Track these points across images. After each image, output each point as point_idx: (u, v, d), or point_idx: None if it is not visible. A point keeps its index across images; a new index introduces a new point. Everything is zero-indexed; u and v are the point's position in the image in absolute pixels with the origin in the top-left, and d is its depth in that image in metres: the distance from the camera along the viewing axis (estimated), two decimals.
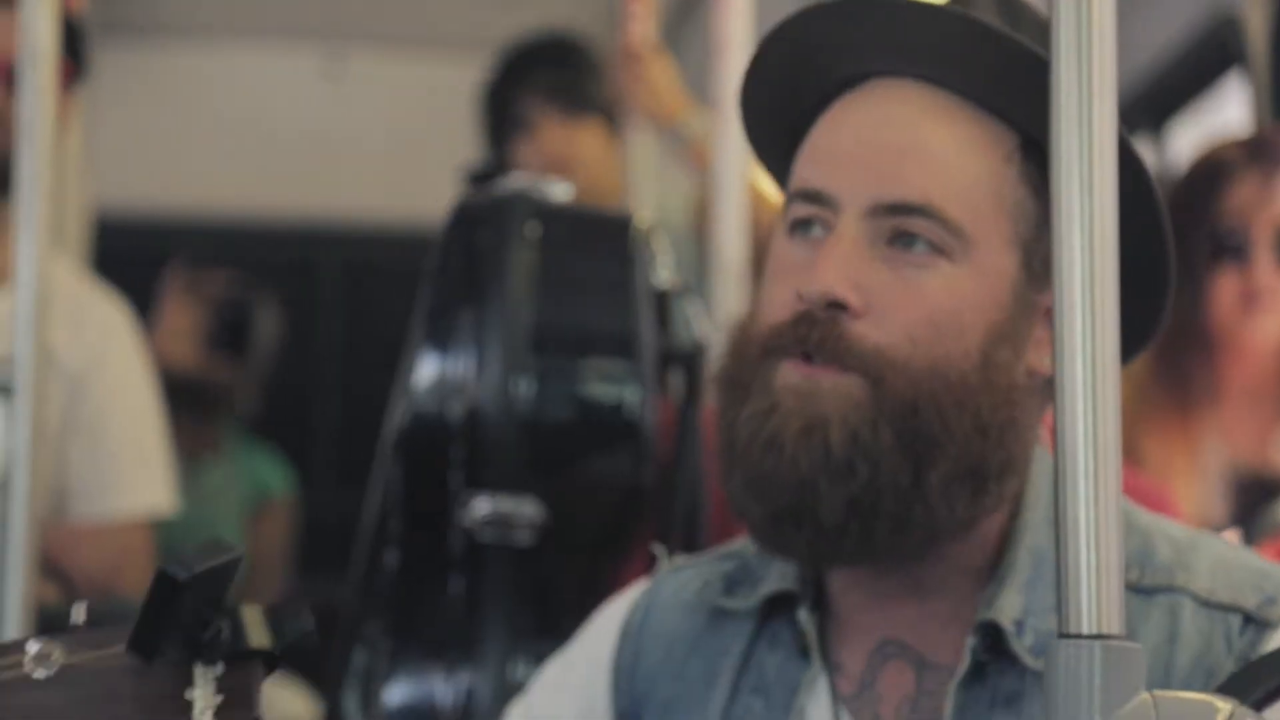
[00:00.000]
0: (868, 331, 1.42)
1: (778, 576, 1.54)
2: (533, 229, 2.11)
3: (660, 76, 3.33)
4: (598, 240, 2.16)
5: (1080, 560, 1.17)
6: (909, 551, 1.45)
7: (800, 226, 1.47)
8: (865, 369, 1.42)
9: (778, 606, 1.54)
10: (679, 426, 2.20)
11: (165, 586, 1.14)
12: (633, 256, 2.13)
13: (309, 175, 5.39)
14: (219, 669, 1.18)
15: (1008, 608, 1.44)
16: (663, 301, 2.18)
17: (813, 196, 1.47)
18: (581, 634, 1.66)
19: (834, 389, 1.41)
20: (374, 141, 5.34)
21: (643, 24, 3.40)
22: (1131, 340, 1.51)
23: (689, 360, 2.20)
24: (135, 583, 2.91)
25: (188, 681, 1.17)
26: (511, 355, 2.06)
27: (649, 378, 2.10)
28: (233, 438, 4.27)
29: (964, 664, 1.44)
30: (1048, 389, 1.47)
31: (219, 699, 1.16)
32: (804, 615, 1.51)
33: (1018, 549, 1.47)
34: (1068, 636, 1.16)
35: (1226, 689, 1.19)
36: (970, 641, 1.44)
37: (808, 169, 1.49)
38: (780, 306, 1.45)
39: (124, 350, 2.98)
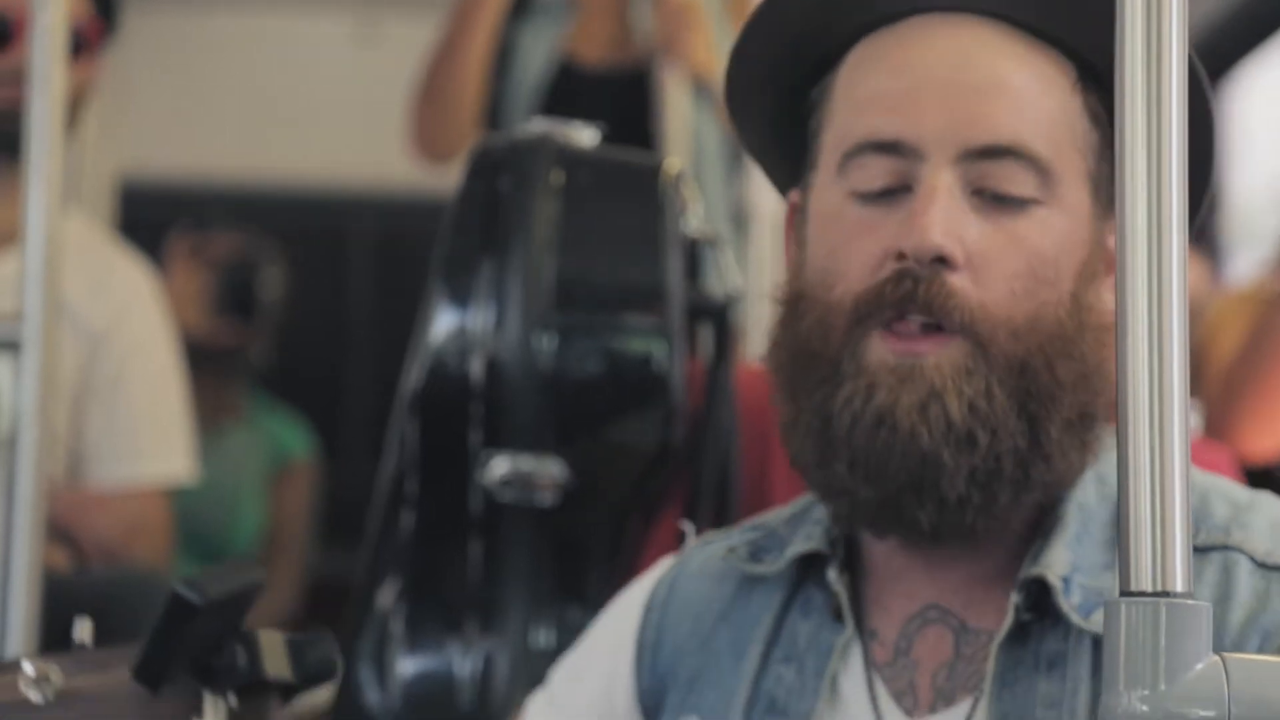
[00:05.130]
0: (969, 287, 1.36)
1: (804, 538, 1.48)
2: (557, 176, 2.04)
3: (699, 30, 3.30)
4: (625, 188, 2.09)
5: (1142, 512, 1.08)
6: (1024, 510, 1.40)
7: (877, 181, 1.39)
8: (968, 329, 1.36)
9: (809, 572, 1.48)
10: (709, 383, 2.14)
11: (179, 610, 1.07)
12: (661, 205, 2.07)
13: (341, 142, 5.36)
14: (231, 699, 1.10)
15: (1055, 563, 1.38)
16: (693, 252, 2.11)
17: (888, 147, 1.39)
18: (604, 614, 1.60)
19: (939, 360, 1.36)
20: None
21: None
22: None
23: (719, 314, 2.13)
24: (148, 551, 2.87)
25: (197, 709, 1.11)
26: (533, 309, 2.00)
27: (677, 332, 2.04)
28: (252, 402, 4.25)
29: (1006, 623, 1.38)
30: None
31: None
32: (833, 575, 1.45)
33: (1066, 503, 1.41)
34: (1129, 595, 1.07)
35: None
36: (1014, 599, 1.38)
37: (873, 117, 1.40)
38: (869, 269, 1.38)
39: (146, 312, 2.95)
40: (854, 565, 1.47)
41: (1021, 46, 1.40)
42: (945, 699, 1.41)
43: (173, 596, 1.07)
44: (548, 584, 2.02)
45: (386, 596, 2.05)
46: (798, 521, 1.51)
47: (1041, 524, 1.41)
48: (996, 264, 1.37)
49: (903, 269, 1.36)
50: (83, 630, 1.14)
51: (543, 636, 2.01)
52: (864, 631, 1.45)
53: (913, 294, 1.36)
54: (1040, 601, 1.38)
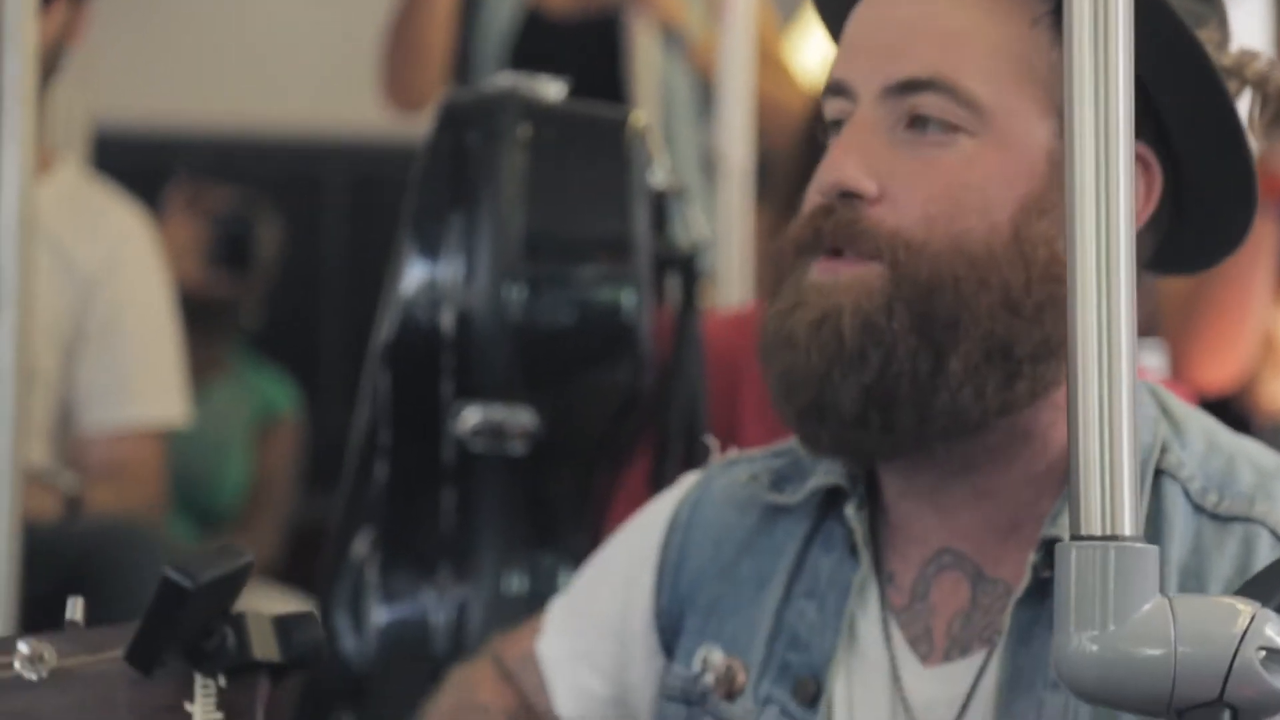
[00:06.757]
0: (884, 216, 1.38)
1: (825, 471, 1.48)
2: (524, 130, 2.05)
3: None
4: (591, 141, 2.11)
5: (1092, 458, 1.10)
6: (938, 441, 1.39)
7: (833, 124, 1.44)
8: (882, 254, 1.37)
9: (831, 506, 1.48)
10: (676, 332, 2.15)
11: (170, 594, 1.09)
12: (628, 157, 2.08)
13: (313, 88, 5.33)
14: (221, 680, 1.13)
15: None
16: (659, 203, 2.12)
17: (836, 89, 1.43)
18: (627, 527, 1.60)
19: (851, 279, 1.38)
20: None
21: None
22: (1212, 249, 1.48)
23: (686, 264, 2.15)
24: (141, 494, 2.87)
25: (188, 692, 1.13)
26: (503, 260, 2.02)
27: (645, 282, 2.05)
28: (239, 357, 4.25)
29: (1024, 581, 1.38)
30: None
31: (219, 715, 1.11)
32: (851, 511, 1.45)
33: None
34: (1079, 539, 1.10)
35: (1247, 591, 1.13)
36: (1032, 558, 1.38)
37: (834, 62, 1.45)
38: (808, 204, 1.42)
39: (140, 256, 2.95)
40: (874, 504, 1.47)
41: None
42: (960, 648, 1.42)
43: (164, 581, 1.09)
44: (520, 531, 2.03)
45: (361, 546, 2.06)
46: None
47: (1063, 481, 1.40)
48: (912, 191, 1.38)
49: (823, 204, 1.40)
50: (75, 609, 1.15)
51: (515, 583, 2.02)
52: (881, 573, 1.45)
53: (822, 227, 1.39)
54: None
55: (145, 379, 2.92)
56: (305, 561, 3.67)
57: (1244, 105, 1.45)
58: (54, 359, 2.86)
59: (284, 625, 1.15)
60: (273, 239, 4.26)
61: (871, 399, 1.37)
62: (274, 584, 3.91)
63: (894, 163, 1.39)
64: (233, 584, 1.12)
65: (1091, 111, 1.11)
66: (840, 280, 1.38)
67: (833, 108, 1.44)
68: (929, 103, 1.39)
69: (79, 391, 2.88)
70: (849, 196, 1.39)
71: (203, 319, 3.97)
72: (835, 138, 1.43)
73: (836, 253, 1.40)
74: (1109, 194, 1.11)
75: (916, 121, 1.39)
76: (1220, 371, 2.70)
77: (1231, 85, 1.43)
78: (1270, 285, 2.70)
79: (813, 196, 1.42)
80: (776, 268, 1.44)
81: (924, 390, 1.37)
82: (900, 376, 1.36)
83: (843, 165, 1.39)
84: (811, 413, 1.39)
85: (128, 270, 2.93)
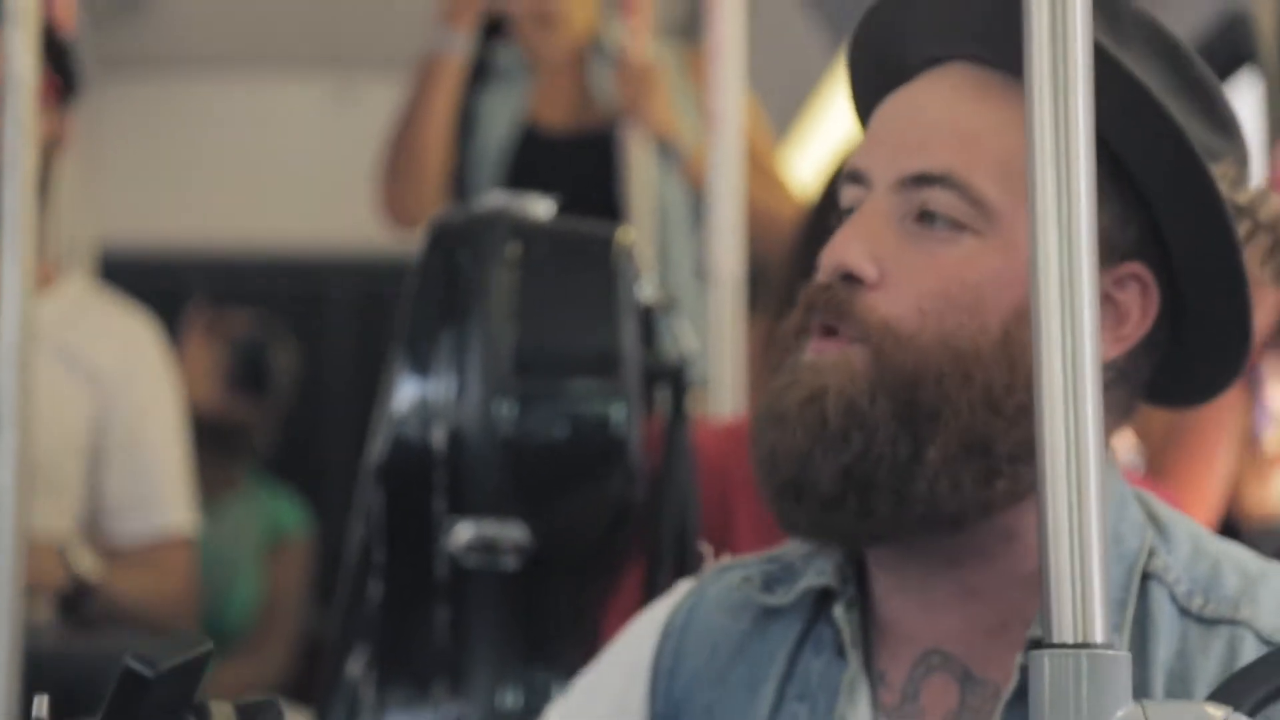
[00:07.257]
0: (878, 303, 1.41)
1: (816, 572, 1.50)
2: (513, 249, 2.08)
3: (659, 91, 3.35)
4: (579, 258, 2.13)
5: (1063, 565, 1.12)
6: (917, 532, 1.41)
7: (847, 211, 1.47)
8: (869, 340, 1.40)
9: (822, 608, 1.50)
10: (666, 444, 2.17)
11: (131, 683, 1.10)
12: (615, 273, 2.11)
13: (319, 206, 5.36)
14: None
15: None
16: (647, 317, 2.15)
17: (854, 176, 1.47)
18: (620, 638, 1.61)
19: (838, 358, 1.41)
20: None
21: (641, 39, 3.41)
22: (1202, 387, 1.50)
23: (675, 376, 2.17)
24: (176, 593, 2.89)
25: None
26: (493, 377, 2.04)
27: (634, 395, 2.07)
28: (251, 477, 4.27)
29: (1012, 682, 1.39)
30: (1116, 379, 1.43)
31: None
32: (840, 612, 1.47)
33: None
34: (1051, 646, 1.11)
35: (1221, 695, 1.14)
36: (1020, 659, 1.39)
37: (856, 151, 1.49)
38: (811, 283, 1.46)
39: (154, 361, 3.01)
40: (864, 604, 1.48)
41: (1003, 89, 1.44)
42: None
43: (125, 670, 1.09)
44: (514, 646, 2.04)
45: (356, 665, 2.07)
46: (814, 555, 1.52)
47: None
48: (909, 281, 1.41)
49: (822, 284, 1.44)
50: (40, 706, 1.16)
51: (510, 698, 2.02)
52: (872, 673, 1.46)
53: (815, 304, 1.43)
54: None
55: (170, 485, 2.96)
56: (315, 679, 3.68)
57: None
58: (75, 467, 2.89)
59: (247, 714, 1.15)
60: (289, 363, 4.31)
61: (850, 480, 1.39)
62: (284, 702, 3.92)
63: (898, 252, 1.42)
64: (194, 672, 1.12)
65: (1054, 234, 1.13)
66: (828, 359, 1.41)
67: (848, 195, 1.47)
68: (939, 198, 1.42)
69: (108, 500, 2.91)
70: (849, 279, 1.42)
71: (219, 441, 4.01)
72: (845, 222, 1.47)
73: (830, 331, 1.43)
74: (1074, 302, 1.13)
75: (925, 216, 1.42)
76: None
77: (1243, 225, 1.45)
78: (1234, 439, 2.73)
79: (821, 273, 1.45)
80: (779, 351, 1.46)
81: (902, 476, 1.39)
82: (880, 461, 1.39)
83: (847, 248, 1.42)
84: (790, 490, 1.41)
85: (145, 375, 2.98)
